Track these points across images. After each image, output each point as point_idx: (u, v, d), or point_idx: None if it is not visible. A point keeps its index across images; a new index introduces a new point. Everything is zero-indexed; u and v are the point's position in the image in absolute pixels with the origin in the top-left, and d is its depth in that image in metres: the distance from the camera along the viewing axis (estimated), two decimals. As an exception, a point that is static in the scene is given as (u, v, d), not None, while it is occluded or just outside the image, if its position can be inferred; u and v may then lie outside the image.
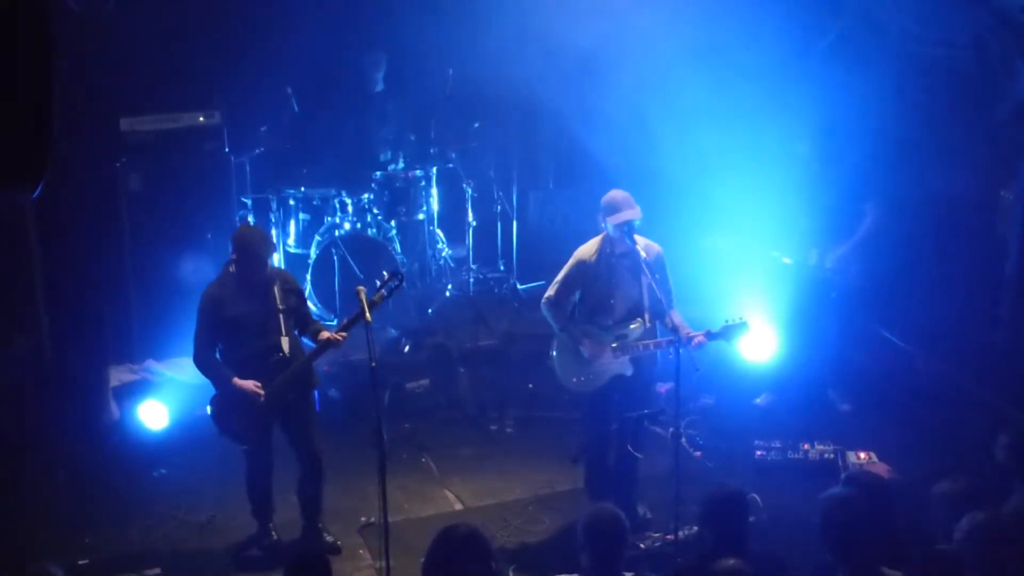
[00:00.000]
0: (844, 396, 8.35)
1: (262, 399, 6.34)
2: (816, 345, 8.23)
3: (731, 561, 4.60)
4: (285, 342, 6.41)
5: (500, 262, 10.26)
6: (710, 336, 6.49)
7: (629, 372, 6.65)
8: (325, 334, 6.41)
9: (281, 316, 6.41)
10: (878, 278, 8.32)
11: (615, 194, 6.53)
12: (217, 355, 6.45)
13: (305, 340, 6.68)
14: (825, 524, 4.82)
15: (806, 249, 8.07)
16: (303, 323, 6.59)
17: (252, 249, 6.33)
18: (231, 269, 6.41)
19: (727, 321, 6.54)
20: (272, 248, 6.51)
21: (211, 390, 6.51)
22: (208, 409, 6.53)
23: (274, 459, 6.69)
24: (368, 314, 5.75)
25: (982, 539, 4.66)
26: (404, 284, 7.08)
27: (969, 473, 5.61)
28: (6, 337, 7.99)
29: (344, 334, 6.33)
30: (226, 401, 6.43)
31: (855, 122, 8.22)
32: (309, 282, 9.09)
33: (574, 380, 6.76)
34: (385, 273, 6.18)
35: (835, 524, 4.77)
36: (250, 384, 6.33)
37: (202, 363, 6.43)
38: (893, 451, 7.52)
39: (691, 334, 6.42)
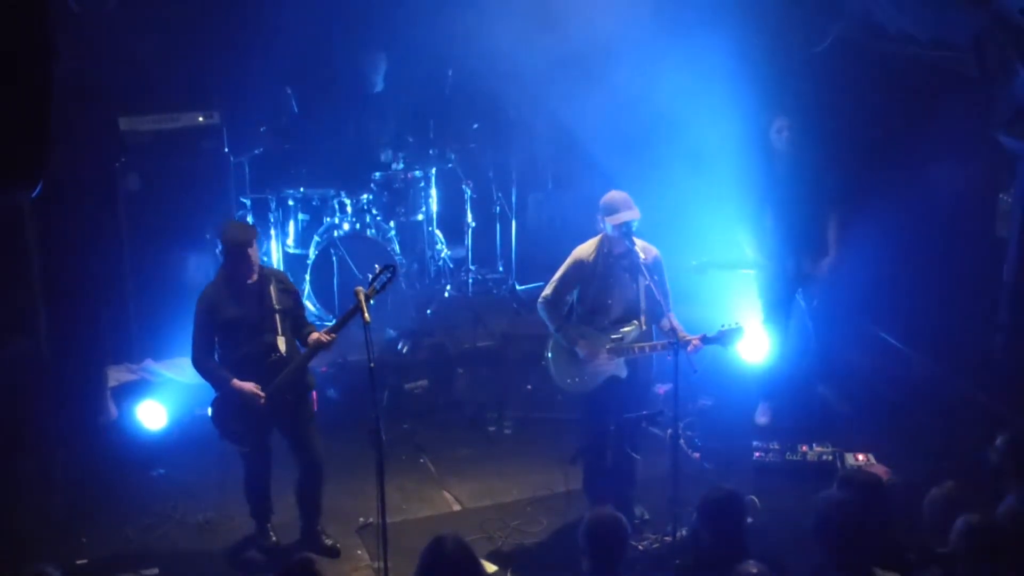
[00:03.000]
0: (841, 395, 8.36)
1: (261, 400, 6.34)
2: (802, 347, 8.24)
3: (753, 570, 4.60)
4: (281, 342, 6.41)
5: (499, 263, 10.26)
6: (706, 341, 6.49)
7: (624, 374, 6.65)
8: (315, 335, 6.41)
9: (277, 316, 6.41)
10: (875, 281, 8.33)
11: (614, 195, 6.54)
12: (215, 357, 6.46)
13: (297, 343, 6.66)
14: (821, 525, 4.82)
15: (784, 257, 8.02)
16: (297, 325, 6.58)
17: (233, 237, 6.32)
18: (225, 270, 6.42)
19: (723, 326, 6.55)
20: (254, 234, 6.45)
21: (210, 390, 6.52)
22: (209, 411, 6.54)
23: (272, 460, 6.70)
24: (366, 311, 5.75)
25: (977, 541, 4.66)
26: (399, 275, 7.09)
27: (963, 476, 5.62)
28: (4, 336, 7.98)
29: (334, 335, 6.33)
30: (226, 403, 6.43)
31: (849, 124, 8.24)
32: (308, 283, 9.08)
33: (569, 381, 6.76)
34: (377, 266, 6.15)
35: (831, 526, 4.77)
36: (250, 386, 6.34)
37: (200, 366, 6.44)
38: (891, 453, 7.53)
39: (687, 338, 6.41)
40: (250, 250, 6.32)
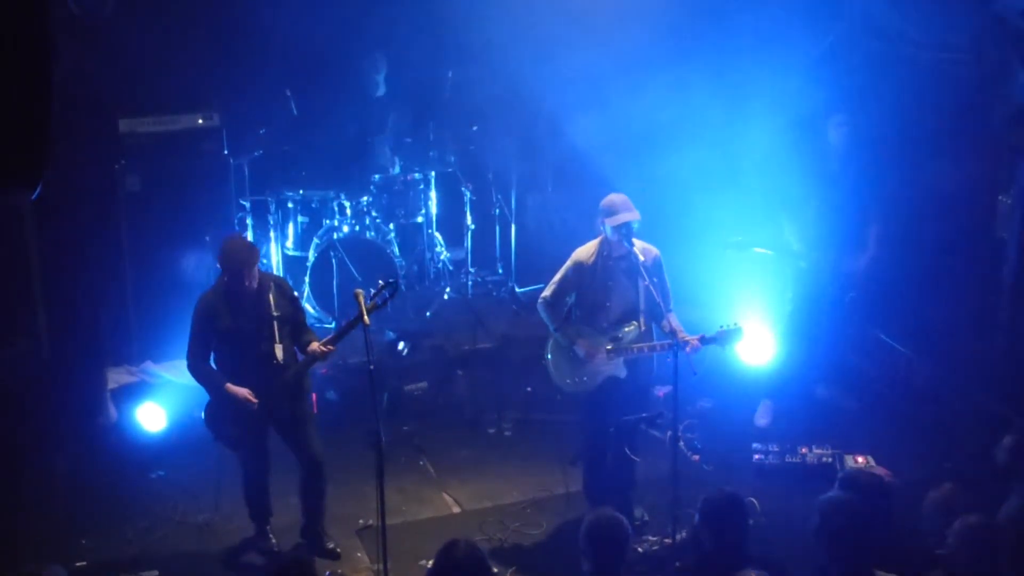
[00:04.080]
0: (845, 394, 8.35)
1: (255, 406, 6.34)
2: (814, 345, 8.21)
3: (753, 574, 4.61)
4: (279, 349, 6.40)
5: (498, 265, 10.26)
6: (704, 341, 6.49)
7: (623, 374, 6.65)
8: (314, 345, 6.40)
9: (275, 323, 6.39)
10: (874, 281, 8.31)
11: (613, 197, 6.55)
12: (211, 361, 6.45)
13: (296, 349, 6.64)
14: (822, 526, 4.82)
15: (821, 251, 7.97)
16: (296, 331, 6.56)
17: (229, 265, 6.28)
18: (225, 278, 6.40)
19: (722, 326, 6.55)
20: (254, 259, 6.36)
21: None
22: (202, 415, 6.53)
23: (271, 463, 6.69)
24: (367, 318, 5.75)
25: (974, 542, 4.67)
26: (401, 288, 7.07)
27: (963, 478, 5.61)
28: (4, 337, 7.99)
29: (332, 347, 6.33)
30: (219, 407, 6.43)
31: (859, 124, 8.23)
32: (307, 285, 9.08)
33: (567, 381, 6.76)
34: (380, 281, 6.15)
35: (832, 527, 4.77)
36: (243, 391, 6.33)
37: (195, 370, 6.43)
38: (891, 455, 7.52)
39: (686, 338, 6.41)
40: (247, 271, 6.28)
